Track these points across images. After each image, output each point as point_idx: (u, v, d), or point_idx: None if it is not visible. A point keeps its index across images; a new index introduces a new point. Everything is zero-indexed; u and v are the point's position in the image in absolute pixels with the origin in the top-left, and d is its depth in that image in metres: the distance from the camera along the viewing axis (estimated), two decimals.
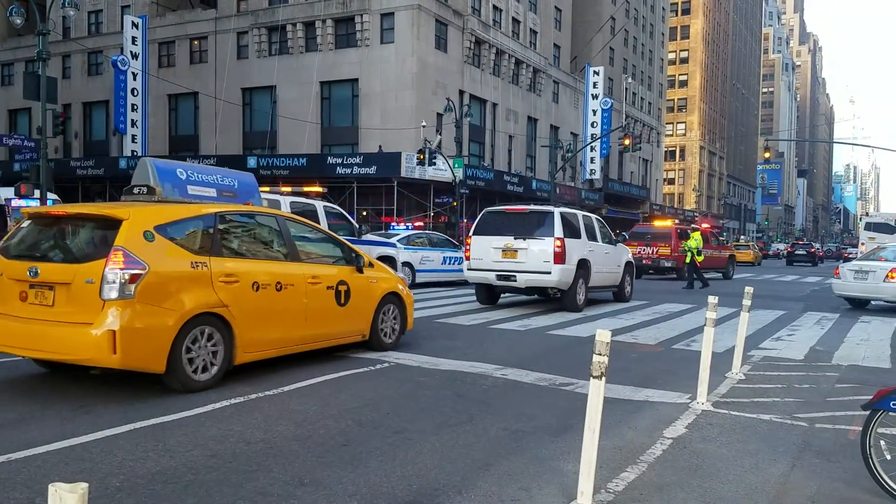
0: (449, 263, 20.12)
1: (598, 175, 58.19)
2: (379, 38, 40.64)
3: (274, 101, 43.04)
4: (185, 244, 6.21)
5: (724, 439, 5.20)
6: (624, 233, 21.32)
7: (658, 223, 30.09)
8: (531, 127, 52.97)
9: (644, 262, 25.49)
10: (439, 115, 39.13)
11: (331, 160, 36.48)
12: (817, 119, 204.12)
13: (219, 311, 6.27)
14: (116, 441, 4.73)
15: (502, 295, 15.32)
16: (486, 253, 13.78)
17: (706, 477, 4.38)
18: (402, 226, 24.58)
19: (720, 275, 28.01)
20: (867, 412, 4.14)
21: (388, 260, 16.54)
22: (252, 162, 37.46)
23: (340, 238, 8.56)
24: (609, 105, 58.45)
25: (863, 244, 31.58)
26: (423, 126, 36.52)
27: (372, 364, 7.64)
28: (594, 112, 58.60)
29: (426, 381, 6.94)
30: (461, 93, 43.58)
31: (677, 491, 4.13)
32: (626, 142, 36.98)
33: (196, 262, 6.18)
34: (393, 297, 8.61)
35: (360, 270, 8.12)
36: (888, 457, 4.18)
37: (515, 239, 13.53)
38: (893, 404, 3.99)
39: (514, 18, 50.31)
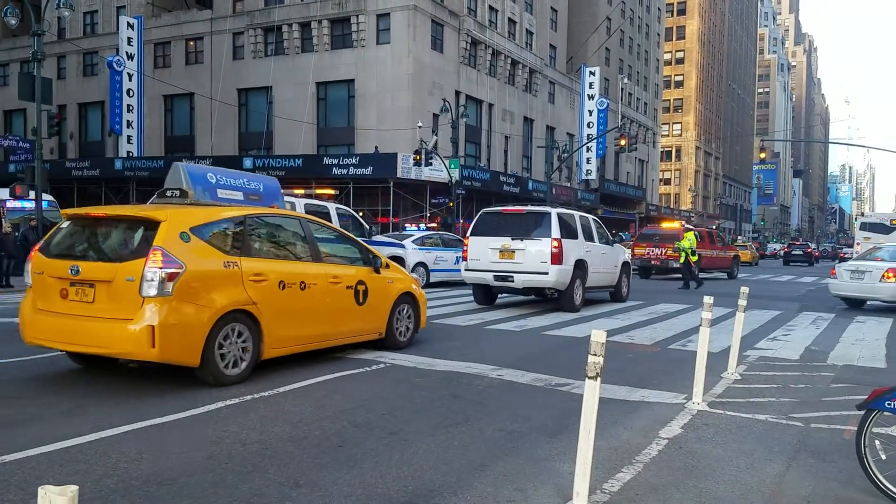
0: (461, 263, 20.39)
1: (594, 175, 58.24)
2: (375, 39, 40.63)
3: (270, 102, 43.00)
4: (217, 245, 6.55)
5: (720, 439, 5.21)
6: (621, 233, 21.43)
7: (666, 225, 30.43)
8: (527, 127, 52.99)
9: (653, 262, 25.90)
10: (435, 116, 39.12)
11: (327, 161, 36.46)
12: (813, 119, 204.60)
13: (248, 309, 6.59)
14: (112, 442, 4.72)
15: (499, 295, 15.32)
16: (483, 254, 13.79)
17: (702, 477, 4.38)
18: (413, 227, 24.85)
19: (725, 274, 28.44)
20: (862, 412, 4.14)
21: (398, 260, 16.74)
22: (248, 163, 37.40)
23: (358, 240, 8.88)
24: (605, 105, 58.52)
25: (858, 244, 31.61)
26: (420, 127, 36.52)
27: (368, 365, 7.63)
28: (590, 112, 58.68)
29: (422, 381, 6.94)
30: (457, 93, 43.59)
31: (673, 491, 4.13)
32: (622, 142, 37.05)
33: (228, 262, 6.52)
34: (407, 297, 8.94)
35: (378, 271, 8.45)
36: (883, 456, 4.19)
37: (513, 240, 13.53)
38: (888, 404, 3.99)
39: (510, 19, 50.33)
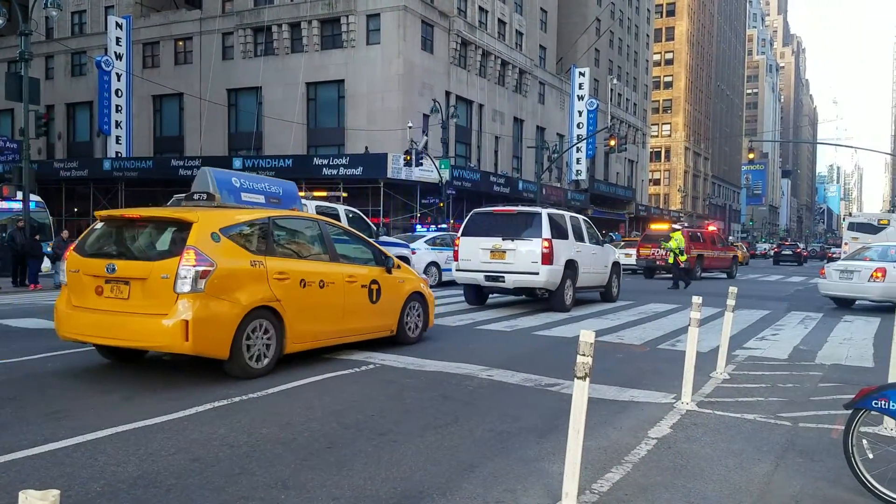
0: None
1: (584, 176, 58.39)
2: (365, 39, 40.58)
3: (259, 102, 42.88)
4: (244, 245, 6.93)
5: (709, 439, 5.22)
6: (611, 233, 21.58)
7: (655, 227, 30.98)
8: (517, 128, 53.05)
9: (658, 262, 26.56)
10: (426, 117, 39.11)
11: (317, 161, 36.38)
12: (801, 120, 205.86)
13: (273, 305, 6.95)
14: (98, 445, 4.68)
15: (490, 295, 15.33)
16: (474, 254, 13.80)
17: (690, 477, 4.39)
18: (424, 227, 25.05)
19: (725, 274, 29.19)
20: (849, 411, 4.16)
21: (404, 260, 16.83)
22: (238, 163, 37.28)
23: (371, 241, 9.30)
24: (595, 106, 58.67)
25: (846, 244, 31.81)
26: (410, 127, 36.50)
27: (357, 366, 7.61)
28: (580, 113, 58.83)
29: (412, 382, 6.92)
30: (447, 94, 43.59)
31: (662, 491, 4.14)
32: (612, 143, 37.17)
33: (254, 261, 6.89)
34: (417, 296, 9.37)
35: (389, 271, 8.83)
36: (870, 455, 4.20)
37: (504, 240, 13.54)
38: (875, 403, 4.01)
39: (499, 20, 50.39)
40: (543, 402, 6.26)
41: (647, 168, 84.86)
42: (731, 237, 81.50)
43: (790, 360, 8.83)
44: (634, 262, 29.18)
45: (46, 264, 19.00)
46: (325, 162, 35.93)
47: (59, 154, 49.66)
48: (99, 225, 7.16)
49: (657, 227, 30.70)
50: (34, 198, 22.01)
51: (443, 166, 34.24)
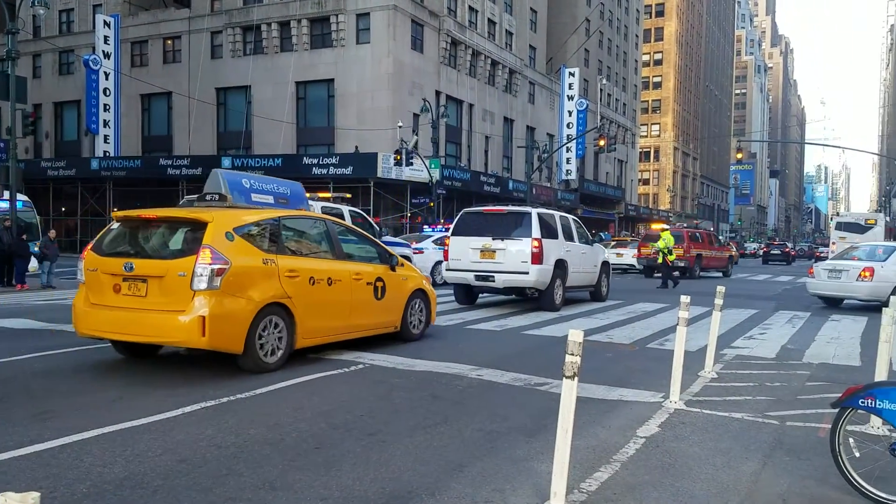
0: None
1: (573, 176, 58.51)
2: (355, 39, 40.51)
3: (249, 101, 42.73)
4: (257, 243, 7.18)
5: (697, 438, 5.23)
6: (601, 233, 21.75)
7: (654, 227, 32.52)
8: (507, 128, 53.09)
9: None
10: (416, 116, 39.08)
11: (306, 160, 36.27)
12: (789, 120, 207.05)
13: (284, 302, 7.19)
14: (84, 446, 4.65)
15: (480, 295, 15.33)
16: (464, 253, 13.80)
17: (679, 476, 4.40)
18: (431, 228, 25.39)
19: (721, 273, 30.29)
20: (836, 410, 4.18)
21: (405, 259, 17.24)
22: (227, 162, 37.11)
23: (376, 239, 9.66)
24: (584, 106, 58.80)
25: (833, 243, 32.09)
26: (400, 126, 36.45)
27: (346, 366, 7.59)
28: (570, 113, 58.94)
29: (401, 382, 6.91)
30: (437, 93, 43.57)
31: (650, 490, 4.15)
32: (602, 143, 37.24)
33: (266, 259, 7.13)
34: (420, 294, 9.64)
35: (393, 269, 9.10)
36: (857, 454, 4.23)
37: (493, 240, 13.55)
38: (862, 402, 4.03)
39: (489, 20, 50.41)
40: (532, 402, 6.26)
41: (636, 168, 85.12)
42: (720, 237, 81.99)
43: (778, 359, 8.87)
44: (626, 262, 30.07)
45: (33, 264, 18.84)
46: (315, 161, 35.83)
47: (47, 153, 49.30)
48: (115, 225, 7.41)
49: (658, 227, 31.42)
50: (21, 197, 21.83)
51: (433, 166, 34.22)
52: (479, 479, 4.26)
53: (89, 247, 7.30)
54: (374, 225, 18.24)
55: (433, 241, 20.13)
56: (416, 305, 9.54)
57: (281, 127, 40.92)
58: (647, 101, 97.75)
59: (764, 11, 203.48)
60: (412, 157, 33.05)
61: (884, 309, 5.61)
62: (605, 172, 71.07)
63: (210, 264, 6.53)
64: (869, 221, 32.99)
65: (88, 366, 7.45)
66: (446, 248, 14.39)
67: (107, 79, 43.58)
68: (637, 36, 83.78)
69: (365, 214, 18.77)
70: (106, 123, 43.85)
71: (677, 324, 6.32)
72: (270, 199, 8.46)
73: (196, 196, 8.11)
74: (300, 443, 4.87)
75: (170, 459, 4.43)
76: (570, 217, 15.73)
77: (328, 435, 5.07)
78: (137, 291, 6.73)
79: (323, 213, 14.36)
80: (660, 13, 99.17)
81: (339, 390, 6.53)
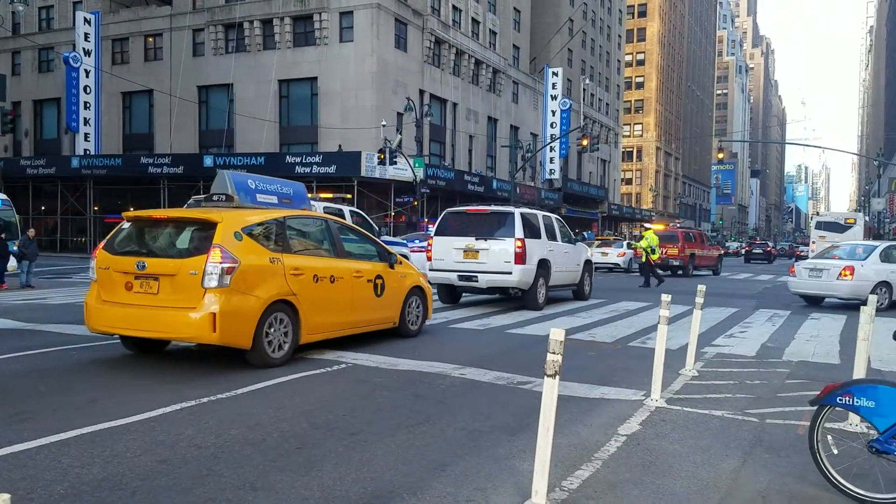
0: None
1: (557, 175, 58.70)
2: (338, 37, 40.37)
3: (231, 100, 42.48)
4: (263, 243, 7.43)
5: (677, 435, 5.26)
6: (584, 232, 21.92)
7: (655, 227, 33.12)
8: (491, 127, 53.15)
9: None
10: (399, 115, 39.02)
11: (290, 159, 36.10)
12: (770, 120, 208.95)
13: (290, 299, 7.44)
14: (62, 447, 4.60)
15: (463, 294, 15.34)
16: (447, 253, 13.80)
17: (659, 473, 4.42)
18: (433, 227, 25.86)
19: (711, 271, 31.60)
20: (815, 408, 4.22)
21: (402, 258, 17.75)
22: (209, 161, 36.88)
23: (375, 238, 9.96)
24: (568, 106, 59.00)
25: (813, 243, 32.39)
26: (384, 125, 36.39)
27: (329, 365, 7.56)
28: (553, 113, 59.12)
29: (384, 381, 6.89)
30: (421, 92, 43.53)
31: (631, 488, 4.16)
32: (585, 142, 37.41)
33: (273, 258, 7.38)
34: (417, 291, 9.94)
35: (392, 267, 9.38)
36: (835, 451, 4.27)
37: (477, 239, 13.56)
38: (840, 400, 4.07)
39: (473, 19, 50.43)
40: (515, 401, 6.27)
41: (619, 167, 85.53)
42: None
43: (758, 357, 8.94)
44: (611, 261, 31.01)
45: (13, 263, 18.60)
46: (298, 160, 35.67)
47: (26, 151, 48.71)
48: (126, 225, 7.63)
49: (659, 227, 32.75)
50: (0, 196, 21.56)
51: (417, 165, 34.18)
52: (461, 478, 4.25)
53: (101, 246, 7.54)
54: (373, 224, 18.70)
55: None
56: (414, 302, 9.85)
57: (264, 125, 40.71)
58: (630, 101, 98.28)
59: (745, 12, 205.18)
60: (396, 157, 33.00)
61: (862, 307, 5.67)
62: (589, 172, 71.36)
63: (220, 263, 6.78)
64: (848, 221, 33.33)
65: (68, 366, 7.37)
66: (429, 247, 14.38)
67: (87, 76, 43.14)
68: (620, 36, 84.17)
69: (364, 214, 19.26)
70: (86, 121, 43.41)
71: (658, 322, 6.36)
72: (274, 200, 8.73)
73: (204, 196, 8.36)
74: (281, 443, 4.84)
75: (149, 460, 4.39)
76: (553, 216, 15.78)
77: (310, 435, 5.04)
78: (149, 289, 6.97)
79: (325, 212, 14.76)
80: (642, 14, 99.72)
81: (321, 390, 6.51)
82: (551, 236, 14.76)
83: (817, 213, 48.55)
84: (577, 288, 16.18)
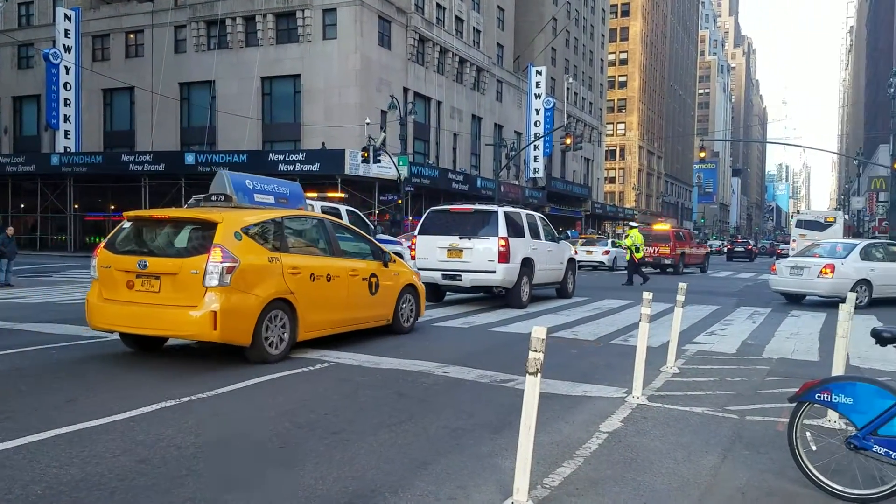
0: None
1: (541, 174, 58.84)
2: (321, 34, 40.22)
3: (213, 97, 42.18)
4: (262, 242, 7.58)
5: (658, 432, 5.29)
6: (567, 230, 22.10)
7: (657, 227, 34.78)
8: (475, 125, 53.18)
9: (647, 259, 28.93)
10: (383, 113, 38.95)
11: (272, 157, 35.88)
12: (751, 119, 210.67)
13: (287, 297, 7.60)
14: (41, 447, 4.54)
15: (448, 292, 15.33)
16: (431, 252, 13.79)
17: (640, 470, 4.45)
18: None
19: (698, 269, 32.38)
20: (794, 404, 4.25)
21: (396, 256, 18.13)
22: (190, 158, 36.62)
23: (369, 237, 10.16)
24: (551, 105, 59.13)
25: (794, 241, 32.69)
26: (368, 123, 36.30)
27: (311, 364, 7.53)
28: (537, 111, 59.23)
29: (366, 380, 6.88)
30: (405, 90, 43.46)
31: (612, 485, 4.18)
32: (568, 141, 37.51)
33: (271, 257, 7.54)
34: (410, 288, 10.15)
35: (386, 265, 9.57)
36: (814, 447, 4.31)
37: (460, 238, 13.57)
38: (818, 396, 4.11)
39: (457, 17, 50.43)
40: (498, 399, 6.27)
41: (602, 166, 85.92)
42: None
43: (738, 354, 9.02)
44: (596, 259, 31.83)
45: None
46: (281, 158, 35.46)
47: (6, 149, 48.12)
48: (127, 224, 7.75)
49: (659, 227, 34.21)
50: None
51: (401, 163, 34.12)
52: (442, 476, 4.25)
53: (102, 245, 7.66)
54: (369, 223, 19.13)
55: None
56: (407, 300, 10.05)
57: (246, 123, 40.48)
58: (613, 100, 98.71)
59: (727, 12, 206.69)
60: (380, 155, 32.92)
61: (840, 305, 5.72)
62: (572, 171, 71.60)
63: (221, 262, 6.91)
64: (829, 219, 33.66)
65: (47, 365, 7.29)
66: (412, 246, 14.37)
67: (67, 73, 42.69)
68: (603, 35, 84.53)
69: (361, 214, 19.63)
70: (66, 118, 42.96)
71: (640, 320, 6.39)
72: (271, 199, 8.84)
73: (202, 196, 8.45)
74: (262, 442, 4.81)
75: (128, 460, 4.35)
76: (537, 215, 15.81)
77: (291, 434, 5.02)
78: (151, 287, 7.10)
79: (323, 212, 15.17)
80: (625, 13, 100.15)
81: (303, 389, 6.48)
82: (535, 235, 14.79)
83: (798, 212, 49.04)
84: (560, 286, 16.23)
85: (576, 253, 25.82)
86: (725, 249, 60.53)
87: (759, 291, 19.96)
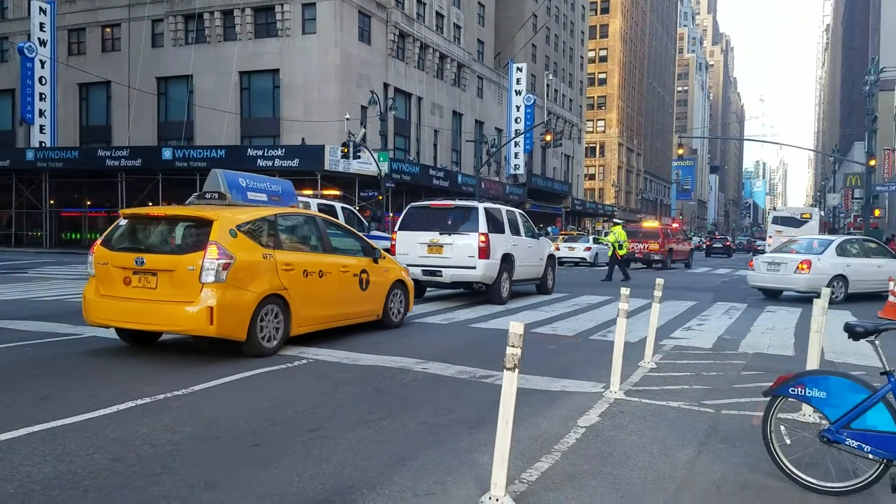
0: None
1: (521, 170, 58.99)
2: (300, 29, 39.98)
3: (190, 91, 41.80)
4: (256, 239, 7.72)
5: (635, 427, 5.33)
6: (548, 227, 22.24)
7: (647, 224, 36.30)
8: (456, 121, 53.17)
9: (637, 255, 30.23)
10: (364, 108, 38.80)
11: (251, 152, 35.63)
12: (729, 117, 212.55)
13: (281, 293, 7.77)
14: (13, 445, 4.48)
15: (428, 288, 15.32)
16: (411, 248, 13.76)
17: (616, 464, 4.47)
18: None
19: (684, 265, 33.40)
20: (768, 398, 4.29)
21: (386, 251, 18.58)
22: (167, 153, 36.27)
23: (359, 234, 10.35)
24: (532, 101, 59.28)
25: (770, 237, 33.08)
26: (348, 119, 36.12)
27: (290, 361, 7.49)
28: (518, 108, 59.38)
29: (345, 377, 6.85)
30: (386, 86, 43.34)
31: (589, 479, 4.20)
32: (548, 137, 37.66)
33: (265, 254, 7.69)
34: (399, 284, 10.34)
35: (376, 261, 9.75)
36: (788, 441, 4.35)
37: (441, 234, 13.56)
38: (792, 390, 4.15)
39: (437, 13, 50.35)
40: (477, 394, 6.27)
41: (582, 163, 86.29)
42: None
43: (715, 349, 9.10)
44: (578, 255, 32.42)
45: None
46: (260, 153, 35.22)
47: None
48: (123, 222, 7.87)
49: (649, 224, 35.53)
50: None
51: (381, 159, 34.01)
52: (421, 471, 4.25)
53: (98, 242, 7.79)
54: (363, 220, 19.80)
55: None
56: (397, 296, 10.26)
57: (224, 117, 40.15)
58: (593, 98, 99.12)
59: (706, 10, 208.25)
60: (360, 150, 32.78)
61: (815, 300, 5.78)
62: (553, 167, 71.82)
63: (217, 259, 7.06)
64: (804, 216, 34.06)
65: (20, 363, 7.19)
66: (393, 242, 14.34)
67: (43, 67, 42.11)
68: (583, 32, 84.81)
69: (356, 211, 20.28)
70: (42, 113, 42.38)
71: (618, 315, 6.42)
72: (264, 197, 8.98)
73: (196, 194, 8.64)
74: (238, 440, 4.78)
75: (102, 458, 4.30)
76: (517, 211, 15.84)
77: (268, 431, 4.99)
78: (148, 284, 7.24)
79: (319, 209, 15.56)
80: (605, 10, 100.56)
81: (280, 386, 6.44)
82: (515, 231, 14.81)
83: (774, 209, 49.55)
84: (540, 282, 16.28)
85: (557, 249, 26.07)
86: (704, 246, 61.19)
87: (735, 287, 20.16)
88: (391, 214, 34.18)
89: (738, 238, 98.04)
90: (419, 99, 47.77)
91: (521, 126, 57.95)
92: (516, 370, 3.72)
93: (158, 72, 43.10)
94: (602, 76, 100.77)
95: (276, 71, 40.51)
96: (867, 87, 37.75)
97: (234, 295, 7.19)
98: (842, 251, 16.23)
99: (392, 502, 3.79)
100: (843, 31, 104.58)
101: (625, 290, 6.48)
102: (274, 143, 38.32)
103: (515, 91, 59.44)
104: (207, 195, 8.40)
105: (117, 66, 43.62)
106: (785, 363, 8.06)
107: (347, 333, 9.34)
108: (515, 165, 58.55)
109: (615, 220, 31.40)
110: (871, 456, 3.93)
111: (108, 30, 45.14)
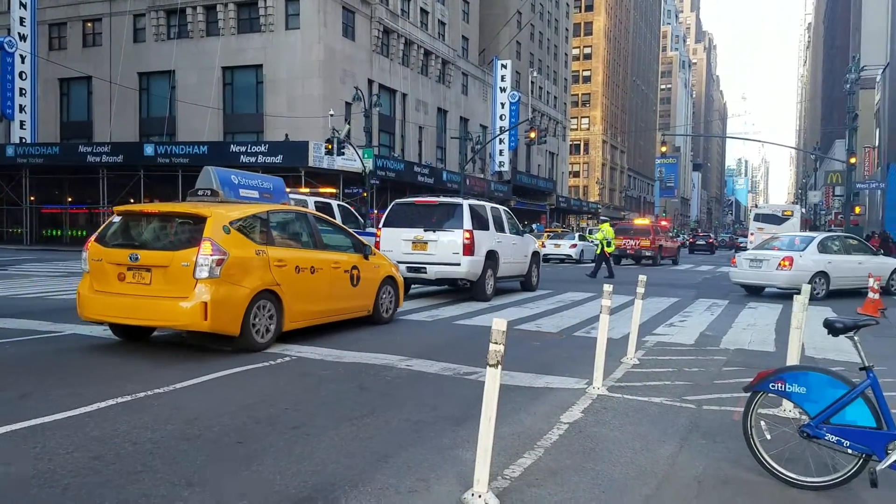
0: None
1: (506, 167, 59.05)
2: (284, 24, 39.74)
3: (173, 87, 41.48)
4: (250, 235, 7.83)
5: (617, 422, 5.35)
6: (532, 224, 22.33)
7: (638, 222, 37.45)
8: (441, 118, 53.13)
9: (628, 252, 31.33)
10: (348, 105, 38.66)
11: (234, 148, 35.42)
12: (711, 114, 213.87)
13: (274, 289, 7.88)
14: None
15: (412, 285, 15.30)
16: (396, 245, 13.73)
17: (599, 460, 4.49)
18: None
19: (671, 261, 34.30)
20: (749, 394, 4.32)
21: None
22: (149, 149, 35.99)
23: (350, 230, 10.50)
24: (517, 98, 59.33)
25: (752, 234, 33.41)
26: (332, 115, 35.98)
27: (273, 358, 7.46)
28: (502, 105, 59.40)
29: (328, 374, 6.83)
30: (370, 82, 43.20)
31: (571, 475, 4.22)
32: (533, 135, 37.67)
33: (258, 250, 7.80)
34: (390, 280, 10.47)
35: (367, 258, 9.86)
36: (768, 436, 4.39)
37: (425, 231, 13.54)
38: (772, 386, 4.18)
39: (422, 9, 50.26)
40: (461, 391, 6.28)
41: (567, 160, 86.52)
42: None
43: (696, 345, 9.16)
44: (563, 252, 32.48)
45: None
46: (244, 149, 35.02)
47: None
48: (116, 218, 7.91)
49: (640, 222, 36.67)
50: None
51: (366, 156, 33.92)
52: (403, 468, 4.24)
53: (93, 238, 7.84)
54: (359, 217, 19.73)
55: None
56: (387, 291, 10.37)
57: (207, 113, 39.87)
58: (577, 95, 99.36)
59: (689, 8, 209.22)
60: (344, 147, 32.67)
61: (795, 297, 5.83)
62: (537, 164, 71.97)
63: (211, 255, 7.14)
64: (786, 213, 34.37)
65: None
66: (377, 239, 14.30)
67: (23, 62, 41.53)
68: (567, 30, 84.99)
69: (350, 207, 20.15)
70: (22, 108, 41.83)
71: (601, 312, 6.44)
72: (256, 194, 9.03)
73: (189, 192, 8.67)
74: (220, 437, 4.74)
75: (81, 456, 4.26)
76: (502, 208, 15.86)
77: (250, 429, 4.96)
78: (142, 280, 7.30)
79: (316, 207, 15.84)
80: (589, 8, 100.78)
81: (263, 383, 6.41)
82: (499, 228, 14.83)
83: (756, 206, 49.99)
84: (525, 279, 16.31)
85: (542, 246, 26.17)
86: (688, 243, 61.73)
87: (717, 284, 20.30)
88: (376, 211, 34.11)
89: (720, 235, 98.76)
90: (404, 95, 47.68)
91: (505, 123, 58.00)
92: (499, 367, 3.72)
93: (140, 67, 42.73)
94: (586, 73, 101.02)
95: (260, 66, 40.28)
96: (848, 86, 38.09)
97: (228, 290, 7.27)
98: (823, 248, 16.39)
99: (375, 500, 3.78)
100: (824, 30, 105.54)
101: (608, 287, 6.51)
102: (257, 140, 38.12)
103: (500, 88, 59.47)
104: (200, 192, 8.47)
105: (98, 62, 43.19)
106: (766, 359, 8.12)
107: (331, 330, 9.31)
108: (500, 162, 58.61)
109: (602, 217, 31.87)
110: (850, 451, 3.97)
111: (89, 24, 44.67)
